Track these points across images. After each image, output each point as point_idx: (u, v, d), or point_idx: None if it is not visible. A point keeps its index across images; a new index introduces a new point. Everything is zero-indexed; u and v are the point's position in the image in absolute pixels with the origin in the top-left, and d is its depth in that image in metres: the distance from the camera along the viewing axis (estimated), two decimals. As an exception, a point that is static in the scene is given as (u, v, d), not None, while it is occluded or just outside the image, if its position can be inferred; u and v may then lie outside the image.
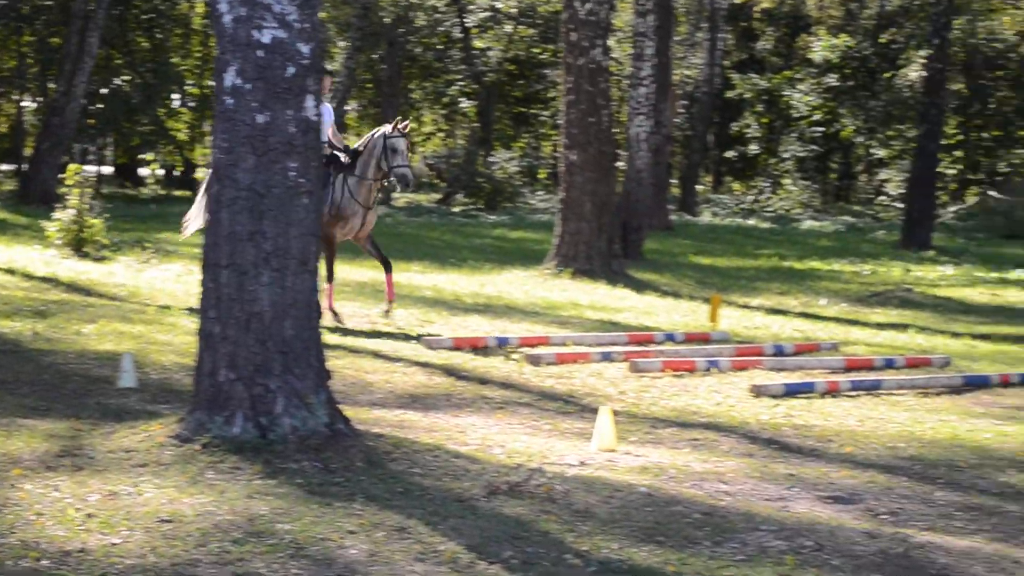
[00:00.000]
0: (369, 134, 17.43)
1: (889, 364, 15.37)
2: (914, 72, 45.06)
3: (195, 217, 17.76)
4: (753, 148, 53.79)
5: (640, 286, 22.53)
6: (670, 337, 16.66)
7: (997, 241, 37.37)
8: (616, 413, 11.63)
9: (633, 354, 15.06)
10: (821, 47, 50.00)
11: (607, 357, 15.00)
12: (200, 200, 17.87)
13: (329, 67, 18.96)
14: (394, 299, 17.44)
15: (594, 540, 8.11)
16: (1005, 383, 14.60)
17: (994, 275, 28.04)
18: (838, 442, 11.52)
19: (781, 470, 10.37)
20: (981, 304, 22.93)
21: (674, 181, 48.24)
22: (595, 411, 11.48)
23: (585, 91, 23.19)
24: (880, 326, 19.22)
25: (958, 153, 49.44)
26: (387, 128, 17.12)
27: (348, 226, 17.13)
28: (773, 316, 19.93)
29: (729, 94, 52.01)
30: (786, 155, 51.89)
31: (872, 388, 14.07)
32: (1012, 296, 24.24)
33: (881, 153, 49.89)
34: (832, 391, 13.76)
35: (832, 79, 49.61)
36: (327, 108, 17.10)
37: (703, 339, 16.80)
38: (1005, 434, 12.12)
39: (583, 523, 8.44)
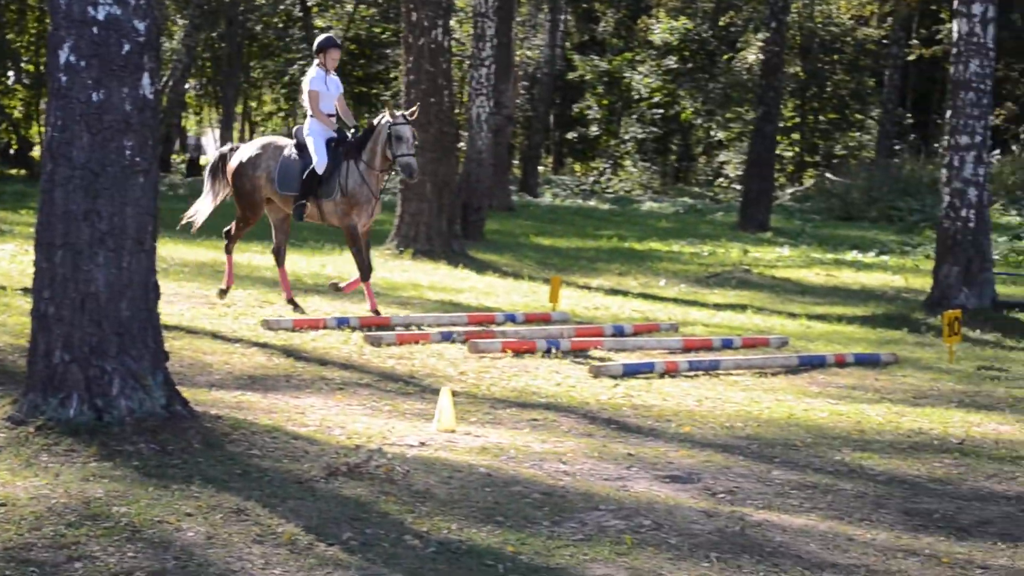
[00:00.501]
0: (376, 119, 16.68)
1: (727, 344, 15.55)
2: (752, 55, 45.62)
3: (203, 211, 17.34)
4: (594, 129, 54.10)
5: (481, 267, 22.57)
6: (510, 318, 16.70)
7: (833, 223, 37.93)
8: (456, 394, 11.65)
9: (473, 335, 15.08)
10: (661, 29, 50.43)
11: (447, 338, 15.01)
12: (207, 191, 17.31)
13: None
14: (345, 292, 17.07)
15: (434, 520, 8.12)
16: (840, 363, 14.84)
17: (830, 256, 28.47)
18: (676, 422, 11.63)
19: (620, 450, 10.44)
20: (817, 285, 23.28)
21: (515, 162, 48.40)
22: (436, 392, 11.49)
23: (426, 71, 23.17)
24: (718, 307, 19.43)
25: (795, 135, 50.16)
26: (392, 114, 16.31)
27: (365, 214, 16.43)
28: (613, 297, 20.07)
29: (570, 76, 52.29)
30: (626, 137, 52.29)
31: (710, 368, 14.22)
32: (847, 277, 24.64)
33: (720, 135, 50.46)
34: (671, 371, 13.87)
35: (672, 61, 50.06)
36: (335, 81, 16.81)
37: (543, 320, 16.88)
38: (840, 413, 12.31)
39: (423, 504, 8.44)
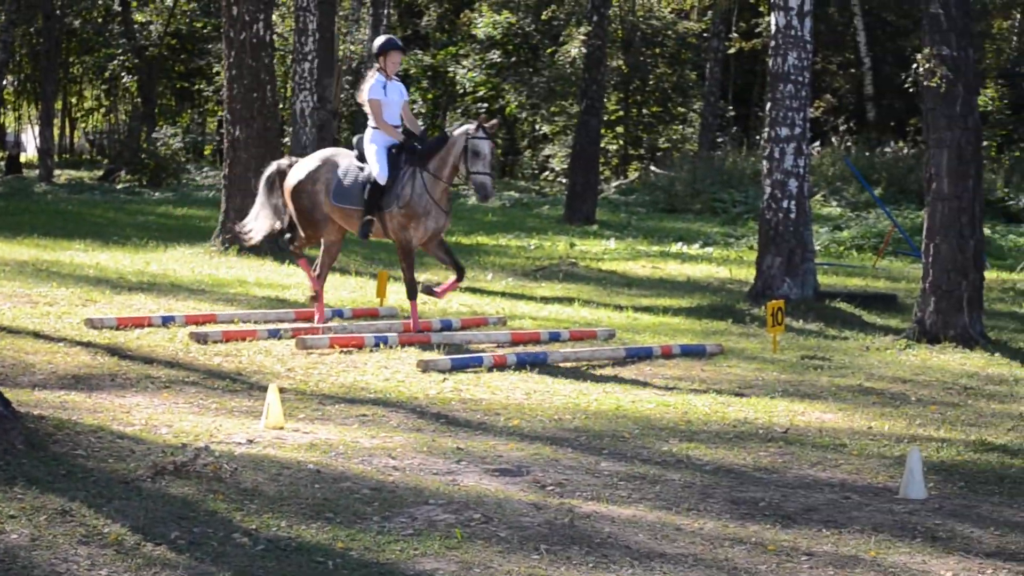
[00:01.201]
0: (450, 128, 15.99)
1: (555, 337, 15.64)
2: (575, 49, 45.83)
3: (259, 228, 16.39)
4: (419, 124, 54.11)
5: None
6: (338, 313, 16.65)
7: (658, 215, 38.26)
8: (284, 390, 11.60)
9: (301, 331, 15.00)
10: (484, 23, 50.54)
11: (275, 334, 14.94)
12: (262, 202, 16.33)
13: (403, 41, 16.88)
14: (441, 296, 16.06)
15: (263, 518, 8.07)
16: (667, 354, 15.00)
17: (655, 249, 28.72)
18: (505, 415, 11.68)
19: (449, 444, 10.46)
20: (643, 277, 23.47)
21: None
22: (263, 389, 11.43)
23: (248, 66, 22.97)
24: (546, 300, 19.51)
25: (619, 129, 50.55)
26: (471, 126, 15.29)
27: (423, 227, 15.26)
28: (441, 291, 20.06)
29: (394, 70, 52.19)
30: (451, 131, 52.36)
31: (538, 361, 14.29)
32: (672, 269, 24.88)
33: (545, 129, 50.70)
34: (499, 365, 13.93)
35: (496, 55, 50.20)
36: (398, 86, 15.80)
37: (371, 315, 16.85)
38: (667, 404, 12.45)
39: (251, 502, 8.39)
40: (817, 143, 40.65)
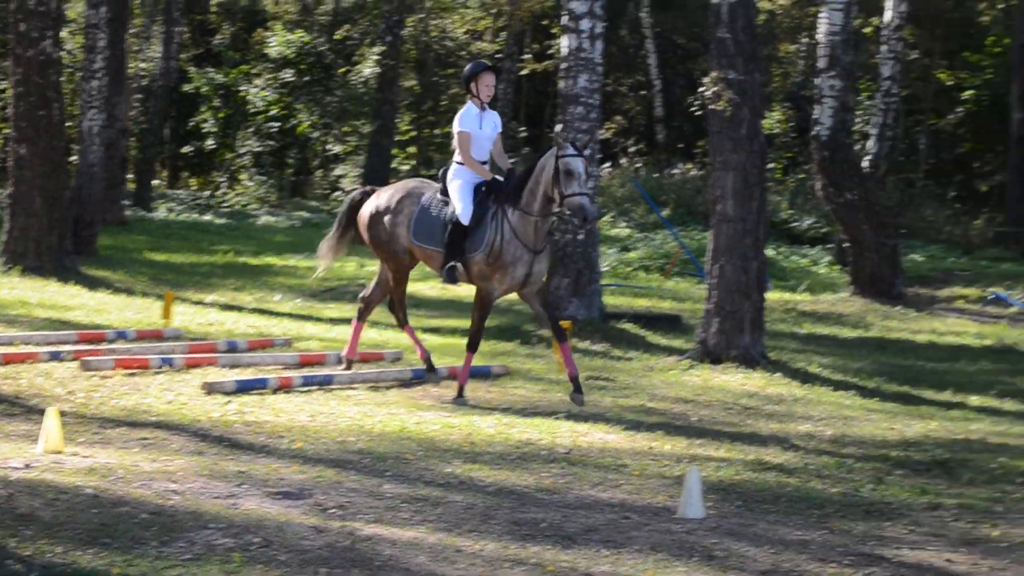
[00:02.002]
0: (535, 159, 14.06)
1: (341, 359, 15.61)
2: (369, 69, 45.78)
3: (325, 256, 15.73)
4: (210, 143, 53.52)
5: (93, 283, 22.06)
6: (121, 335, 16.42)
7: (449, 236, 38.34)
8: (64, 414, 11.38)
9: (83, 353, 14.77)
10: (277, 42, 50.21)
11: (56, 356, 14.68)
12: (334, 235, 15.62)
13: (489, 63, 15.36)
14: (576, 374, 13.99)
15: (38, 544, 7.94)
16: (453, 375, 15.05)
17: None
18: (289, 438, 11.63)
19: (231, 467, 10.39)
20: (432, 298, 23.53)
21: (130, 176, 47.53)
22: (42, 412, 11.20)
23: (35, 83, 22.54)
24: (334, 321, 19.46)
25: (412, 149, 50.54)
26: (560, 145, 13.87)
27: (509, 276, 13.85)
28: (228, 312, 19.88)
29: (186, 88, 51.61)
30: (243, 150, 51.88)
31: (324, 383, 14.26)
32: (461, 290, 24.93)
33: (337, 149, 50.53)
34: (285, 387, 13.87)
35: (288, 74, 49.91)
36: (494, 117, 14.40)
37: (156, 336, 16.65)
38: (451, 426, 12.50)
39: (26, 527, 8.24)
40: (607, 164, 41.10)
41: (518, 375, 15.54)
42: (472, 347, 14.19)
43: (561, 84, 20.05)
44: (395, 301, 15.26)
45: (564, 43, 19.97)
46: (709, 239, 17.46)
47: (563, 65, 20.04)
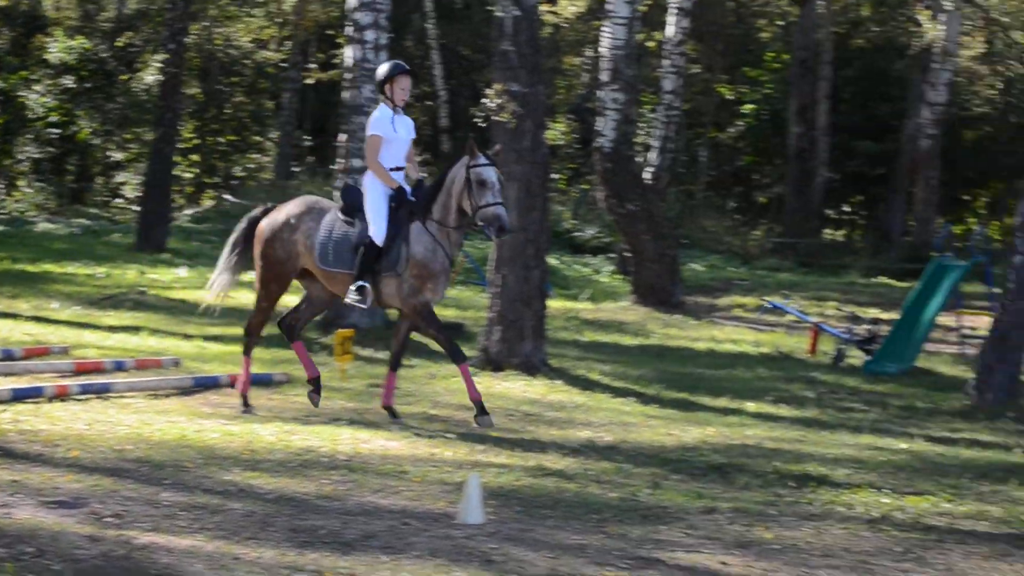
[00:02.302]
0: (445, 169, 13.63)
1: (119, 367, 15.38)
2: (151, 76, 45.17)
3: (220, 283, 14.79)
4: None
5: None
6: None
7: (231, 244, 37.94)
8: None
9: None
10: (58, 48, 49.32)
11: None
12: (225, 264, 14.68)
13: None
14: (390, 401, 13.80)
15: None
16: (234, 383, 14.91)
17: (230, 278, 28.50)
18: (65, 446, 11.41)
19: (5, 477, 10.16)
20: (214, 305, 23.27)
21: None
22: None
23: None
24: (113, 328, 19.15)
25: (195, 157, 49.95)
26: (471, 152, 13.23)
27: (441, 286, 13.41)
28: (3, 320, 19.45)
29: (-37, 93, 50.42)
30: (22, 156, 50.84)
31: (102, 391, 14.04)
32: (243, 298, 24.73)
33: (118, 156, 49.75)
34: (61, 395, 13.62)
35: (69, 80, 49.03)
36: (407, 122, 13.76)
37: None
38: (231, 433, 12.38)
39: None
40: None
41: (299, 383, 15.43)
42: (460, 358, 13.45)
43: (346, 94, 20.01)
44: (256, 324, 14.43)
45: (348, 53, 19.95)
46: (492, 249, 17.55)
47: (347, 75, 20.00)
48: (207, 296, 15.02)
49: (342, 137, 19.89)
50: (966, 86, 47.71)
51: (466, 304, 24.90)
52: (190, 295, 24.45)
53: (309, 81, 49.18)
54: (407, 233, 13.27)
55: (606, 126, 26.17)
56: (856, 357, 20.69)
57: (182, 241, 36.84)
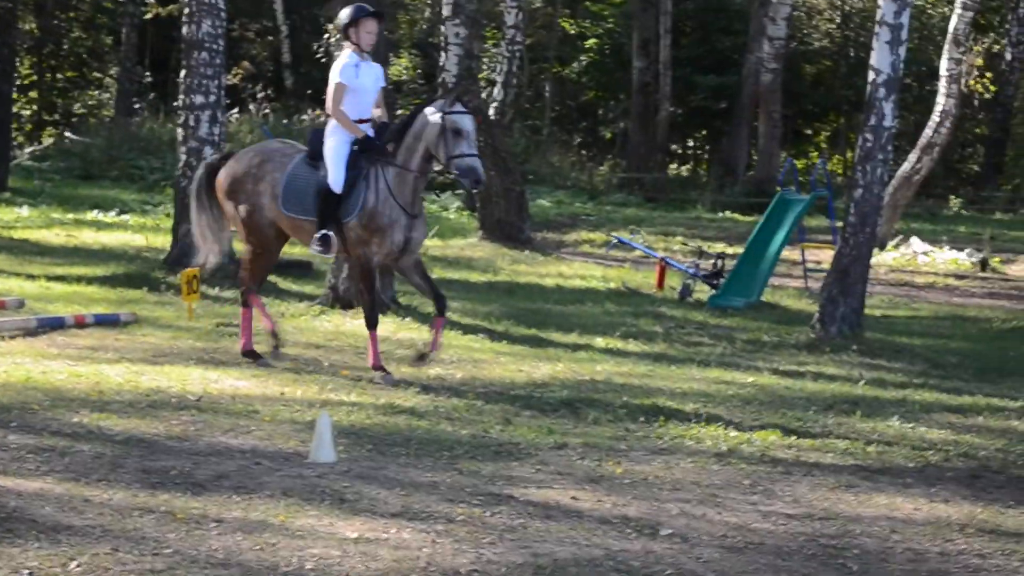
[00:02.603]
0: (413, 111, 13.00)
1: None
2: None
3: (211, 251, 13.95)
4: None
5: None
6: None
7: (73, 182, 37.39)
8: None
9: None
10: None
11: None
12: (197, 220, 13.76)
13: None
14: (438, 349, 13.39)
15: None
16: (80, 324, 14.74)
17: (70, 216, 28.09)
18: (-93, 390, 11.24)
19: None
20: (57, 245, 22.96)
21: None
22: None
23: None
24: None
25: (33, 94, 49.06)
26: (443, 101, 12.73)
27: (388, 241, 12.69)
28: None
29: None
30: None
31: (-55, 334, 13.82)
32: (88, 237, 24.44)
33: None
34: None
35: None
36: (376, 69, 13.06)
37: None
38: (79, 375, 12.24)
39: None
40: (235, 110, 40.65)
41: (147, 323, 15.31)
42: (372, 324, 12.99)
43: (184, 30, 19.72)
44: (253, 270, 13.64)
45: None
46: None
47: (186, 11, 19.71)
48: (206, 263, 14.43)
49: (183, 73, 19.61)
50: (806, 20, 48.24)
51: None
52: (32, 235, 24.15)
53: (148, 16, 48.38)
54: (365, 178, 12.65)
55: (449, 61, 26.14)
56: (703, 291, 20.93)
57: (23, 180, 36.19)
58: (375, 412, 11.53)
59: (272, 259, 13.89)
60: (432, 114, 12.56)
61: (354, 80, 12.80)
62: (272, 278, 19.05)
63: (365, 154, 12.73)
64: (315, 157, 12.87)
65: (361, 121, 12.87)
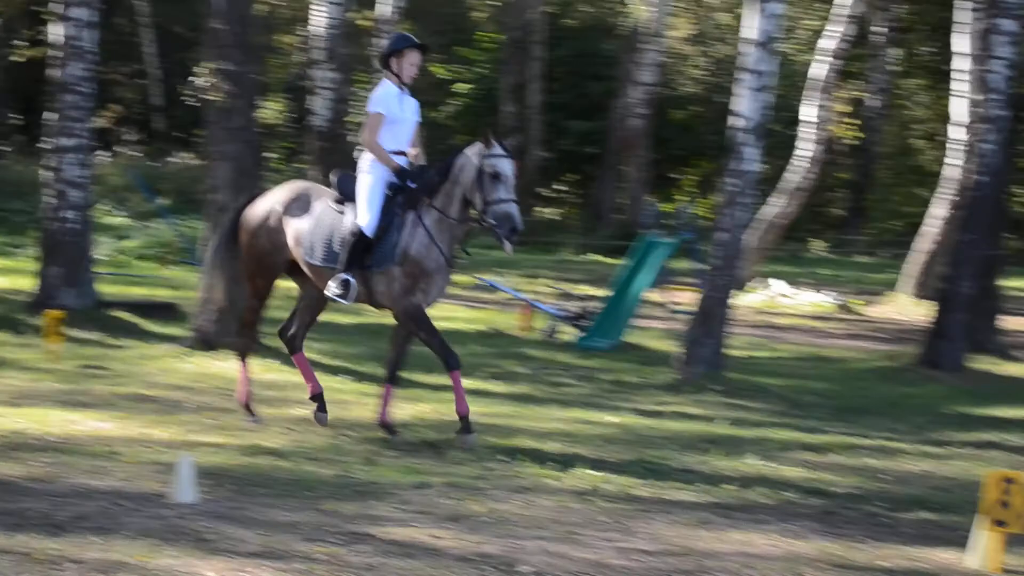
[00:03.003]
0: (453, 153, 12.28)
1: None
2: None
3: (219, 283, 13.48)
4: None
5: None
6: None
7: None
8: None
9: None
10: None
11: None
12: (214, 266, 13.29)
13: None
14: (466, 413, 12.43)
15: None
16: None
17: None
18: None
19: None
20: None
21: None
22: None
23: None
24: None
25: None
26: (480, 144, 11.96)
27: (435, 286, 12.06)
28: None
29: None
30: None
31: None
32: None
33: None
34: None
35: None
36: (414, 103, 12.35)
37: None
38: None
39: None
40: (104, 153, 40.31)
41: (8, 365, 15.16)
42: (455, 364, 12.22)
43: (54, 72, 19.57)
44: (248, 323, 13.23)
45: (57, 31, 19.51)
46: (203, 228, 17.40)
47: (55, 54, 19.57)
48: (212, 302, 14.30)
49: (53, 116, 19.46)
50: (674, 67, 48.74)
51: (180, 284, 24.66)
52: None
53: (17, 59, 47.91)
54: (401, 224, 11.92)
55: (320, 105, 26.16)
56: (568, 333, 21.05)
57: None
58: (238, 453, 11.49)
59: (265, 301, 13.14)
60: (472, 157, 11.93)
61: (396, 111, 12.15)
62: (135, 319, 18.98)
63: (402, 197, 12.00)
64: (342, 201, 12.17)
65: (396, 153, 12.17)
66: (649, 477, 11.44)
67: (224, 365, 15.98)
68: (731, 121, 17.50)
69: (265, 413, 13.35)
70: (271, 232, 12.44)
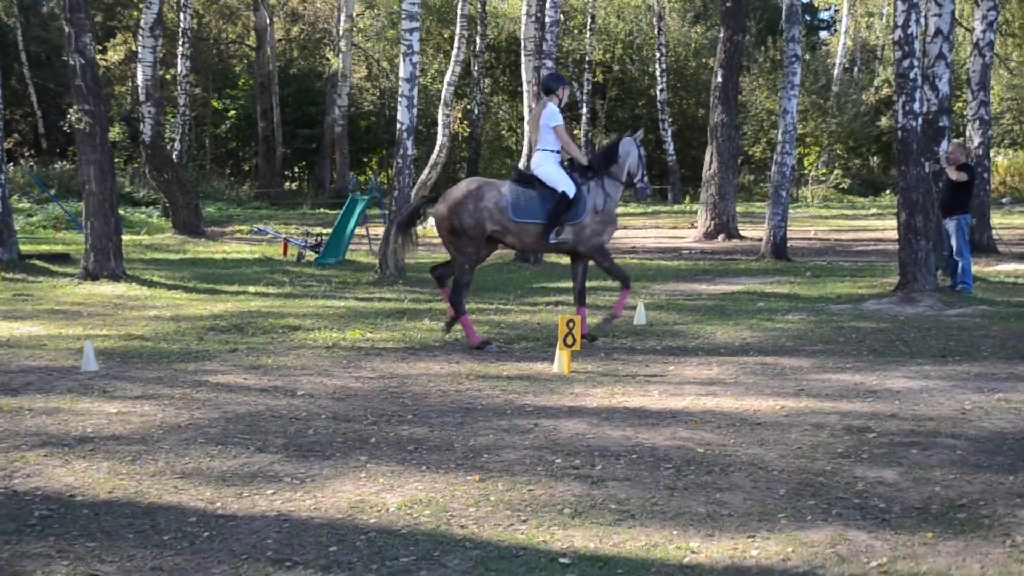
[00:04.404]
0: (611, 142, 10.71)
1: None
2: None
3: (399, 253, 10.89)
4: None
5: None
6: None
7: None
8: None
9: None
10: None
11: None
12: (396, 241, 10.78)
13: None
14: (619, 315, 10.88)
15: None
16: None
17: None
18: None
19: None
20: None
21: None
22: None
23: None
24: None
25: None
26: (634, 135, 10.68)
27: (613, 228, 10.53)
28: None
29: None
30: None
31: None
32: None
33: None
34: None
35: None
36: (555, 112, 10.39)
37: None
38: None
39: None
40: (9, 164, 37.54)
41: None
42: (626, 283, 10.68)
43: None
44: (469, 279, 10.60)
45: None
46: (82, 207, 16.58)
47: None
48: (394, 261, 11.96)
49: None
50: (359, 95, 48.26)
51: (70, 241, 23.41)
52: None
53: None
54: (589, 188, 10.43)
55: (147, 128, 25.05)
56: (310, 256, 20.82)
57: None
58: (119, 339, 11.09)
59: (479, 258, 10.69)
60: (634, 143, 10.67)
61: (562, 121, 10.71)
62: (45, 264, 17.97)
63: (577, 171, 10.52)
64: (522, 182, 10.44)
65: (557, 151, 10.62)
66: (367, 334, 11.49)
67: (103, 289, 15.33)
68: (396, 125, 17.54)
69: (132, 315, 12.86)
70: (472, 211, 10.32)
